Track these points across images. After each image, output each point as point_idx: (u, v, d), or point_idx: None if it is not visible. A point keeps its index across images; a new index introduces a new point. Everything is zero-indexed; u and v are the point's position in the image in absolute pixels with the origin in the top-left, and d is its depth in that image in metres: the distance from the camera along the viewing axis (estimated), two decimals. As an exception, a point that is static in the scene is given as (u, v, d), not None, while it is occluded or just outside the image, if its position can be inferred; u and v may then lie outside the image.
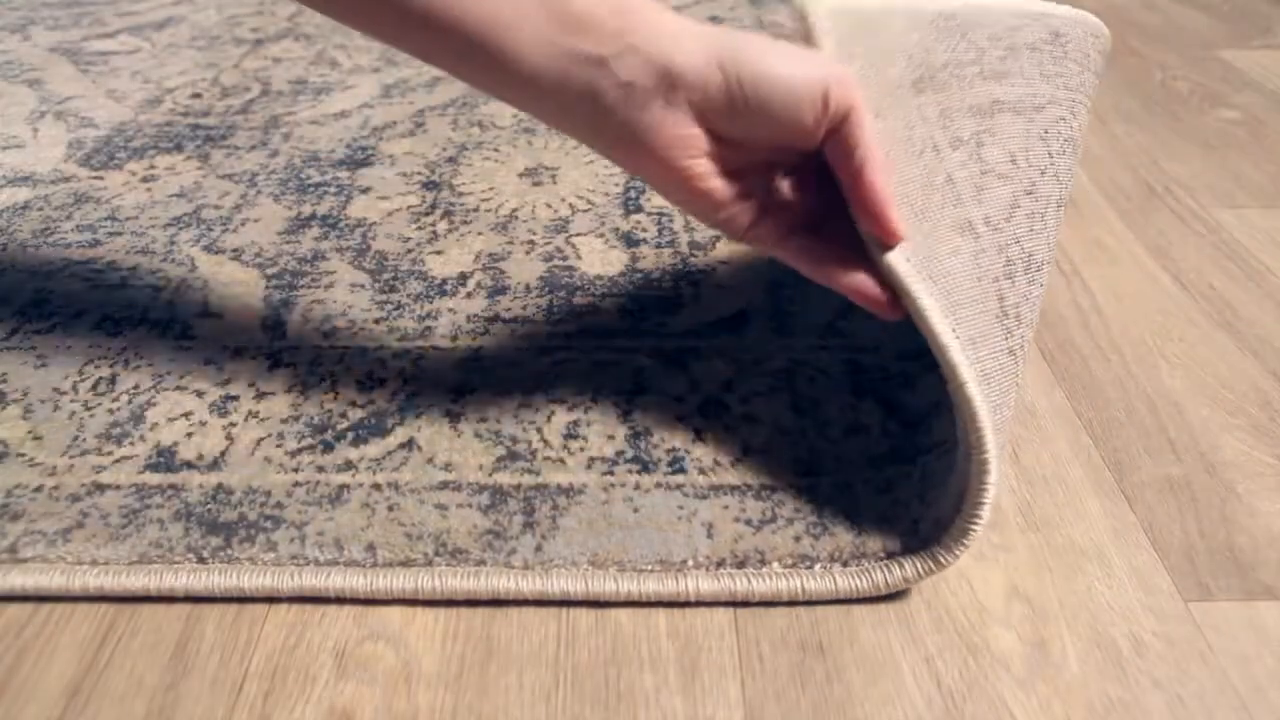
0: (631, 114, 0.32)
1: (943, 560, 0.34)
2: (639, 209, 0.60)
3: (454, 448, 0.41)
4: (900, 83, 0.37)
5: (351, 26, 0.35)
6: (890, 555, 0.36)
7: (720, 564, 0.36)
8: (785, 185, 0.37)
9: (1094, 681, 0.33)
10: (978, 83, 0.37)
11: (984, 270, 0.35)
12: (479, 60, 0.32)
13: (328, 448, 0.41)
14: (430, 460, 0.41)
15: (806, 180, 0.37)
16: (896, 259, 0.34)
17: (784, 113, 0.32)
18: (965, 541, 0.34)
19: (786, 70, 0.31)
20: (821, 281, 0.36)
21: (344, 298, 0.51)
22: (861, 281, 0.34)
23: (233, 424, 0.43)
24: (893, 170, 0.35)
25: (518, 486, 0.39)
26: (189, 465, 0.40)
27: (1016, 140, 0.37)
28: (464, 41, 0.32)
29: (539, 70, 0.32)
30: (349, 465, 0.40)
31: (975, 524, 0.33)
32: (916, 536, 0.36)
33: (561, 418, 0.43)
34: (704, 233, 0.57)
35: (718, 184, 0.34)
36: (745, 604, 0.35)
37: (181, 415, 0.43)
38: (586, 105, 0.32)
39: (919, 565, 0.35)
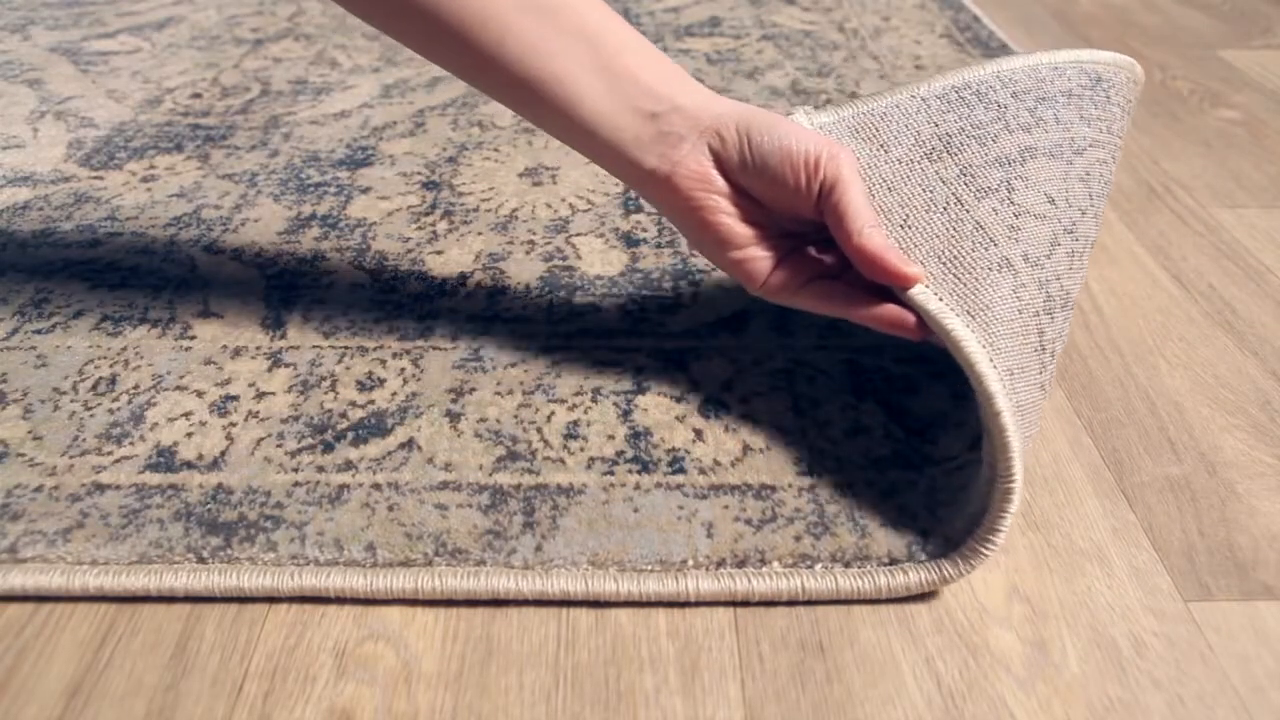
0: (665, 152, 0.38)
1: (949, 576, 0.35)
2: (639, 209, 0.60)
3: (454, 448, 0.41)
4: (909, 158, 0.39)
5: (441, 66, 0.40)
6: (894, 561, 0.36)
7: (720, 564, 0.36)
8: (810, 250, 0.41)
9: (1094, 681, 0.33)
10: (1003, 136, 0.39)
11: (1024, 304, 0.35)
12: (547, 108, 0.38)
13: (328, 448, 0.41)
14: (430, 460, 0.41)
15: (827, 246, 0.40)
16: (926, 299, 0.35)
17: (778, 171, 0.37)
18: (974, 561, 0.34)
19: (784, 138, 0.37)
20: (842, 315, 0.39)
21: (344, 298, 0.51)
22: (886, 309, 0.37)
23: (233, 424, 0.43)
24: (914, 230, 0.37)
25: (518, 486, 0.39)
26: (189, 465, 0.40)
27: (1054, 182, 0.38)
28: (534, 94, 0.38)
29: (599, 119, 0.38)
30: (349, 465, 0.40)
31: (990, 547, 0.34)
32: (924, 548, 0.36)
33: (561, 418, 0.43)
34: (704, 233, 0.57)
35: (731, 223, 0.38)
36: (745, 604, 0.35)
37: (181, 415, 0.43)
38: (631, 148, 0.38)
39: (924, 575, 0.35)
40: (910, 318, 0.36)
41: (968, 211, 0.37)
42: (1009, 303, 0.35)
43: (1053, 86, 0.40)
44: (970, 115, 0.39)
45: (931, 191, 0.38)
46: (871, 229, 0.36)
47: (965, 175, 0.38)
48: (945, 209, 0.37)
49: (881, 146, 0.39)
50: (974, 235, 0.36)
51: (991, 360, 0.34)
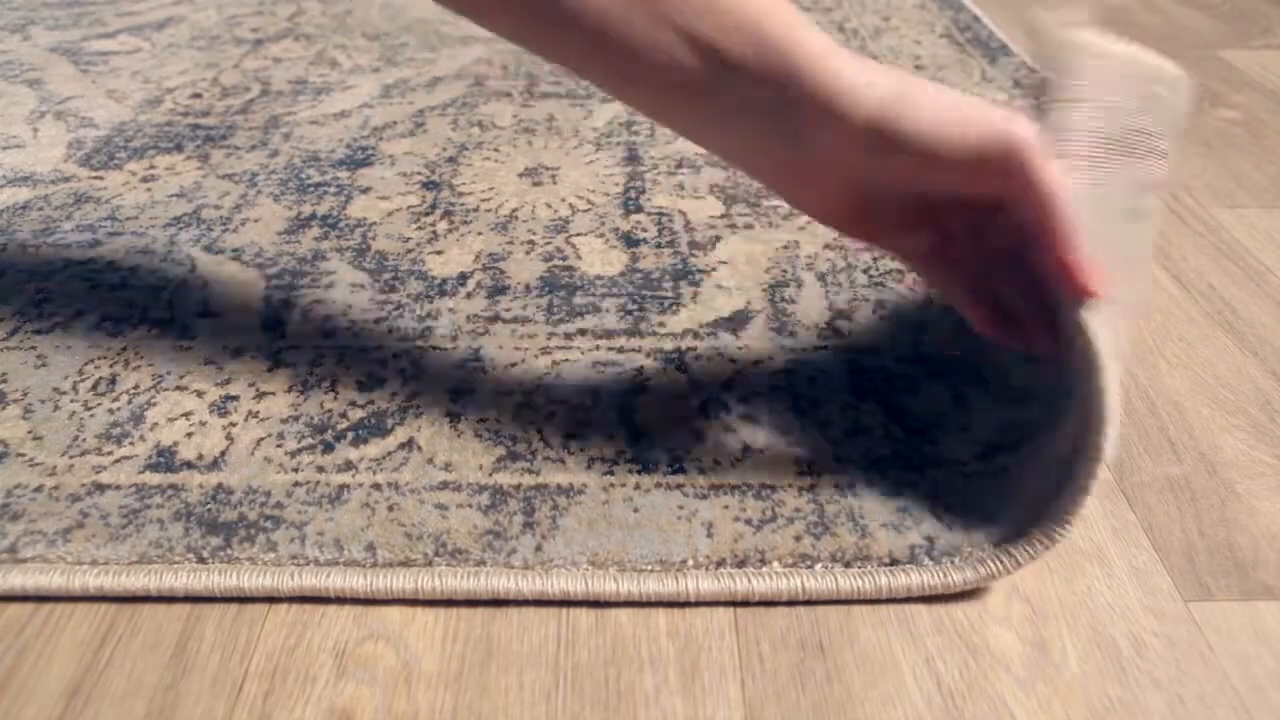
0: (791, 149, 0.33)
1: (954, 583, 0.35)
2: (639, 209, 0.60)
3: (454, 448, 0.41)
4: (1090, 156, 0.34)
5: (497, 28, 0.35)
6: (894, 561, 0.36)
7: (720, 564, 0.36)
8: (958, 231, 0.37)
9: (1094, 681, 0.33)
10: (1149, 158, 0.35)
11: (1118, 350, 0.33)
12: (674, 98, 0.33)
13: (328, 448, 0.41)
14: (430, 460, 0.41)
15: (977, 230, 0.36)
16: (1098, 332, 0.31)
17: (948, 156, 0.31)
18: (987, 579, 0.34)
19: (950, 131, 0.31)
20: (991, 337, 0.38)
21: (344, 298, 0.51)
22: (1040, 344, 0.36)
23: (233, 424, 0.43)
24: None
25: (518, 486, 0.39)
26: (189, 465, 0.40)
27: (1155, 226, 0.35)
28: (660, 85, 0.33)
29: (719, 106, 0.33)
30: (349, 465, 0.40)
31: (1007, 571, 0.34)
32: (930, 554, 0.36)
33: (561, 418, 0.43)
34: (704, 232, 0.57)
35: (854, 221, 0.36)
36: (745, 604, 0.35)
37: (181, 415, 0.43)
38: (756, 136, 0.34)
39: (928, 578, 0.35)
40: (1010, 337, 0.36)
41: (1126, 236, 0.33)
42: (1116, 350, 0.32)
43: (1177, 115, 0.36)
44: (1142, 120, 0.35)
45: (1097, 186, 0.32)
46: (1077, 234, 0.31)
47: (1123, 185, 0.33)
48: (1108, 221, 0.32)
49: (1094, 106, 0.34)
50: (1124, 268, 0.32)
51: (1119, 411, 0.31)
